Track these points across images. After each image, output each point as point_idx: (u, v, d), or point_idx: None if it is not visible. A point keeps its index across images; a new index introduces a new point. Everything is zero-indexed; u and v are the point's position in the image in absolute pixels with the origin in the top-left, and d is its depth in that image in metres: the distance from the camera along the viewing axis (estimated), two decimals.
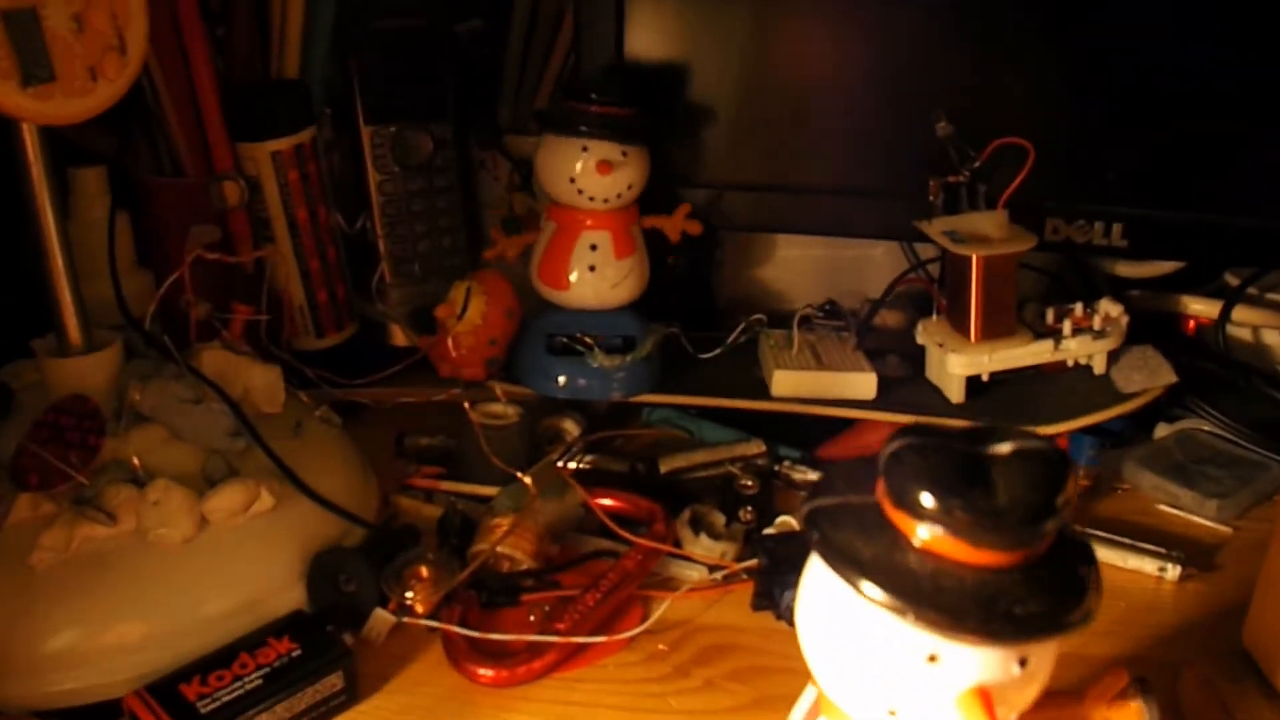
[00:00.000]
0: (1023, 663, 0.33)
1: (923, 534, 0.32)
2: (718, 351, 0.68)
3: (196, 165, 0.66)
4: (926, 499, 0.31)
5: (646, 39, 0.69)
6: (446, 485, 0.62)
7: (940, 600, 0.31)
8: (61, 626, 0.48)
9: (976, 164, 0.65)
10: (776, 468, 0.65)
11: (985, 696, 0.32)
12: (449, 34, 0.78)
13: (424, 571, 0.53)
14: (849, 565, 0.33)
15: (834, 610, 0.34)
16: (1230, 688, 0.46)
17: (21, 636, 0.47)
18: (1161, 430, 0.70)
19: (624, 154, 0.62)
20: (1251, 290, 0.73)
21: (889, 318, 0.74)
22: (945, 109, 0.65)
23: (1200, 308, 0.73)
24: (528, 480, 0.56)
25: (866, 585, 0.32)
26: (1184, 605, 0.56)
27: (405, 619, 0.52)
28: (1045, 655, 0.34)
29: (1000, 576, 0.32)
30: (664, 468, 0.64)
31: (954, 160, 0.65)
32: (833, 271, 0.81)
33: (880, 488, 0.33)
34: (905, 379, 0.67)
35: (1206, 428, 0.68)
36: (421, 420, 0.67)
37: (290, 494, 0.54)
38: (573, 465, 0.64)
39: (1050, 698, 0.35)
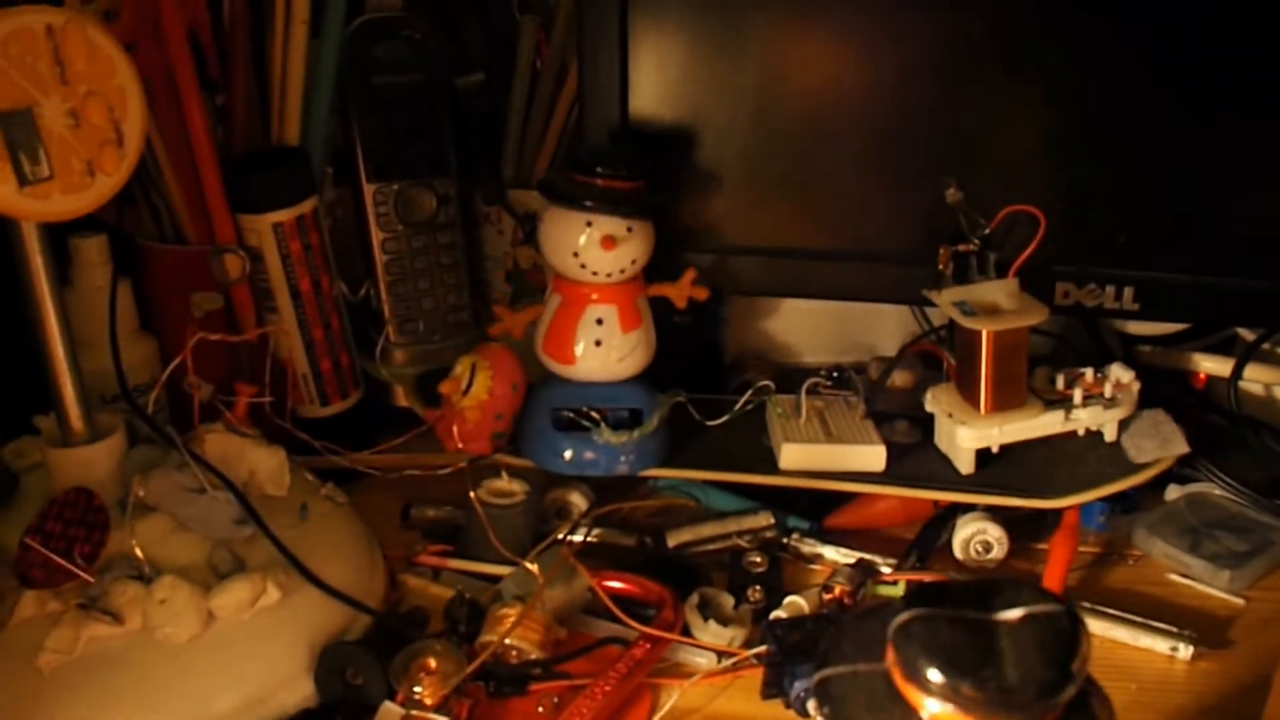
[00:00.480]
0: None
1: (932, 708, 0.32)
2: (725, 419, 0.67)
3: (198, 232, 0.66)
4: (934, 675, 0.31)
5: (651, 97, 0.68)
6: (454, 564, 0.62)
7: None
8: None
9: (987, 231, 0.64)
10: (785, 540, 0.64)
11: None
12: (450, 89, 0.77)
13: (431, 663, 0.53)
14: None
15: None
16: None
17: None
18: (1173, 492, 0.69)
19: (629, 229, 0.61)
20: (1265, 346, 0.72)
21: (899, 378, 0.74)
22: (955, 176, 0.65)
23: (1211, 365, 0.72)
24: (534, 569, 0.56)
25: None
26: (1197, 686, 0.56)
27: (414, 712, 0.52)
28: None
29: None
30: (671, 542, 0.64)
31: (964, 228, 0.64)
32: (842, 324, 0.80)
33: (890, 658, 0.33)
34: (914, 445, 0.67)
35: (1218, 491, 0.68)
36: (428, 488, 0.67)
37: (298, 583, 0.54)
38: (580, 538, 0.64)
39: None
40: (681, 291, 0.65)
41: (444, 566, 0.62)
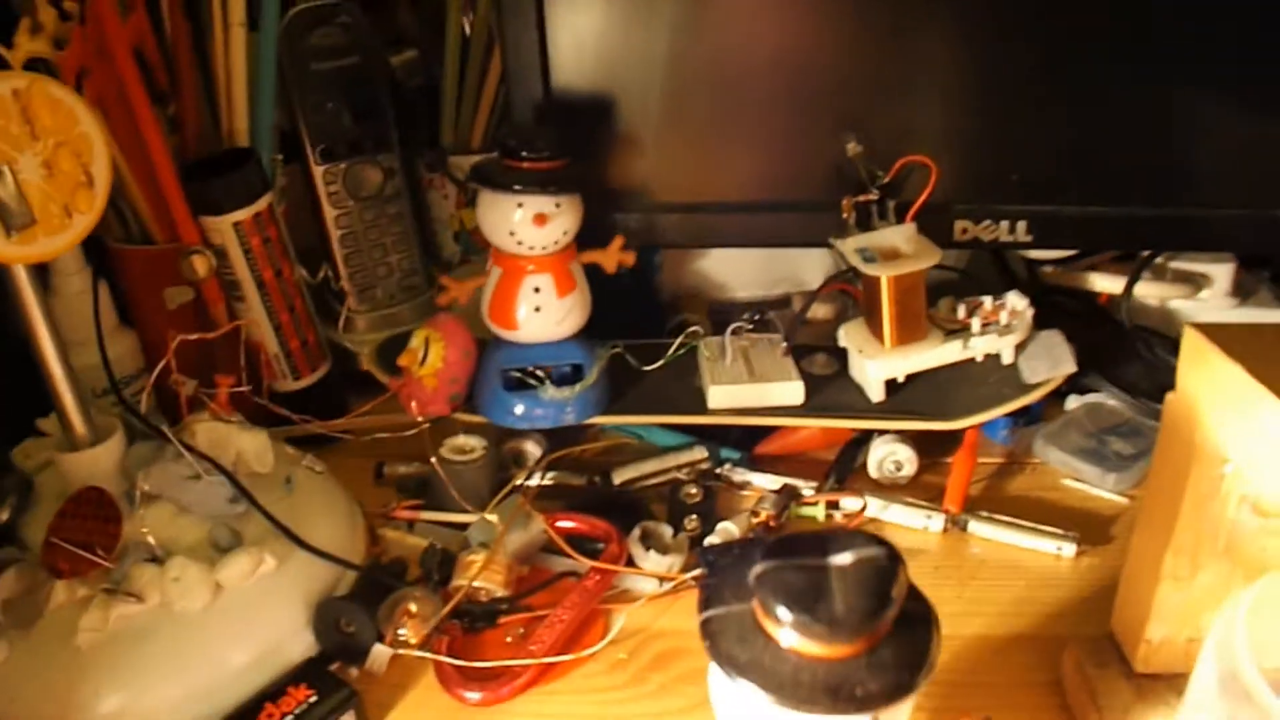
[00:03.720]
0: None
1: (783, 638, 0.40)
2: (660, 364, 0.74)
3: (164, 233, 0.71)
4: (784, 613, 0.40)
5: (572, 70, 0.73)
6: (426, 516, 0.69)
7: (799, 692, 0.40)
8: (110, 694, 0.54)
9: (885, 181, 0.70)
10: (718, 471, 0.72)
11: None
12: (386, 67, 0.82)
13: (412, 608, 0.61)
14: (732, 667, 0.40)
15: (730, 696, 0.42)
16: (1097, 671, 0.54)
17: (77, 706, 0.54)
18: (1073, 403, 0.77)
19: (557, 205, 0.67)
20: (1158, 260, 0.79)
21: (820, 311, 0.80)
22: (855, 130, 0.70)
23: (1106, 284, 0.79)
24: (493, 519, 0.64)
25: (744, 683, 0.40)
26: (1078, 582, 0.64)
27: (401, 651, 0.60)
28: (897, 713, 0.42)
29: (846, 665, 0.40)
30: (617, 480, 0.71)
31: (863, 179, 0.70)
32: (769, 261, 0.87)
33: (753, 600, 0.41)
34: (832, 376, 0.74)
35: (1112, 400, 0.75)
36: (398, 447, 0.74)
37: (290, 549, 0.61)
38: (536, 483, 0.71)
39: None
40: (610, 258, 0.71)
41: (417, 519, 0.70)
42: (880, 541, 0.42)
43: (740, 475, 0.72)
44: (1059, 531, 0.65)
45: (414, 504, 0.70)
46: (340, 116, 0.78)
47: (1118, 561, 0.64)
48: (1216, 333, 0.46)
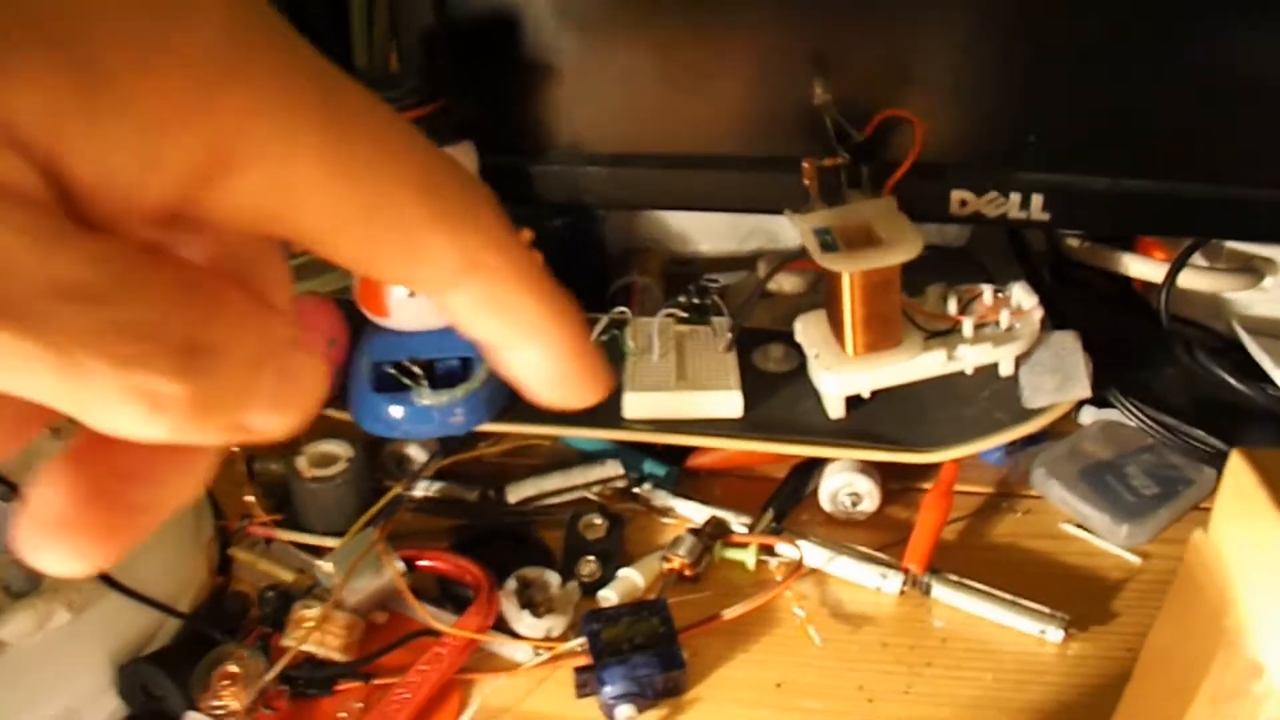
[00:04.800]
0: None
1: None
2: None
3: None
4: None
5: None
6: (283, 535, 0.58)
7: None
8: None
9: (859, 141, 0.54)
10: (637, 491, 0.59)
11: None
12: None
13: (233, 669, 0.51)
14: None
15: None
16: None
17: None
18: (1088, 416, 0.62)
19: None
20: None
21: (788, 283, 0.65)
22: (822, 70, 0.54)
23: (1142, 270, 0.62)
24: (329, 569, 0.52)
25: None
26: (1062, 678, 0.50)
27: None
28: None
29: None
30: (512, 497, 0.59)
31: (832, 137, 0.54)
32: None
33: None
34: (788, 376, 0.60)
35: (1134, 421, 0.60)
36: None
37: (99, 592, 0.51)
38: (419, 494, 0.59)
39: None
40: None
41: (273, 537, 0.58)
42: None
43: (662, 499, 0.59)
44: (1044, 610, 0.52)
45: (272, 519, 0.59)
46: None
47: (1116, 653, 0.51)
48: (1274, 461, 0.31)
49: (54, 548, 0.16)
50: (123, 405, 0.15)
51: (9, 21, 0.14)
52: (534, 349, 0.19)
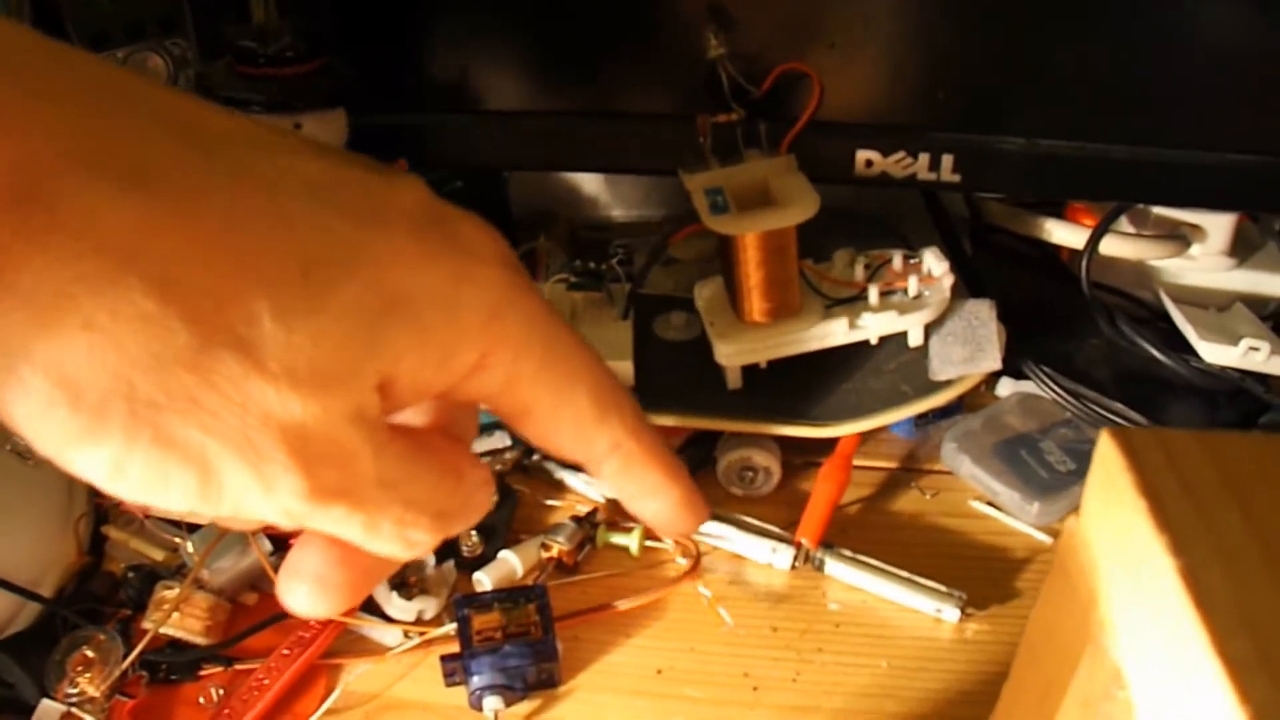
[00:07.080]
0: None
1: None
2: None
3: None
4: None
5: None
6: (158, 512, 0.55)
7: None
8: None
9: (756, 97, 0.51)
10: (526, 463, 0.56)
11: None
12: None
13: (89, 654, 0.48)
14: None
15: None
16: None
17: None
18: (1005, 388, 0.59)
19: (297, 125, 0.49)
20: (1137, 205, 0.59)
21: (692, 248, 0.62)
22: (717, 19, 0.50)
23: (1064, 235, 0.59)
24: (189, 547, 0.49)
25: None
26: (957, 661, 0.48)
27: (72, 710, 0.47)
28: None
29: None
30: None
31: (727, 93, 0.51)
32: None
33: None
34: (686, 345, 0.57)
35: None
36: None
37: None
38: None
39: None
40: None
41: (148, 514, 0.55)
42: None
43: (552, 471, 0.56)
44: (940, 588, 0.49)
45: None
46: None
47: (1016, 637, 0.48)
48: (1146, 443, 0.28)
49: (308, 594, 0.24)
50: (390, 544, 0.23)
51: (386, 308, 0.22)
52: (656, 502, 0.27)
